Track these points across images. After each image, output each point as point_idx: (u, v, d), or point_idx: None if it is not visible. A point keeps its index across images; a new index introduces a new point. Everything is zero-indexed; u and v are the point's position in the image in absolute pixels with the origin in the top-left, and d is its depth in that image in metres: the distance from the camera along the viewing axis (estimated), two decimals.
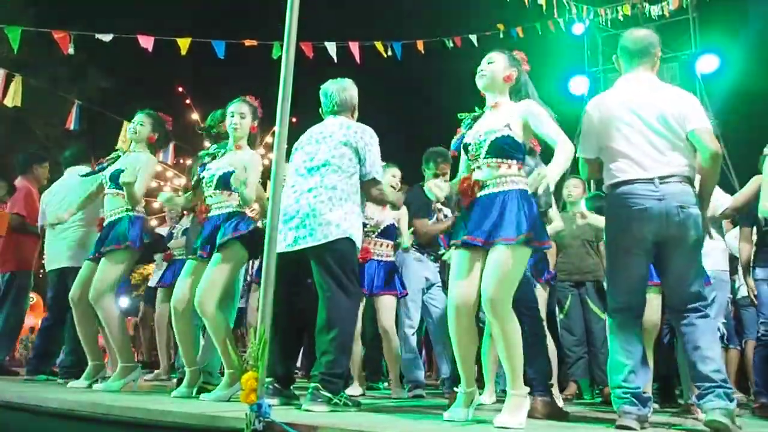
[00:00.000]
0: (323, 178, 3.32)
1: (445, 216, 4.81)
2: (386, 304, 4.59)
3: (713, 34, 8.85)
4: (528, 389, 2.78)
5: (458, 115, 3.25)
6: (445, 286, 4.69)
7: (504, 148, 2.88)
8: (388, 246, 4.73)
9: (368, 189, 3.46)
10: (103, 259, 4.01)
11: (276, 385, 3.24)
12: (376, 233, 4.69)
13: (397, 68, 8.48)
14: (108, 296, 3.98)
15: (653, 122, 2.89)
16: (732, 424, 2.61)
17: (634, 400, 2.83)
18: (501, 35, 8.88)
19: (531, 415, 3.04)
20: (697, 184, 2.95)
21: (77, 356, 4.57)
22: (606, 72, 10.49)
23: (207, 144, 3.97)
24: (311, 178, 3.34)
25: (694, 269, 2.85)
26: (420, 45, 8.41)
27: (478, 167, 2.94)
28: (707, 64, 8.68)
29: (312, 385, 3.10)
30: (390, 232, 4.73)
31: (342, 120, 3.49)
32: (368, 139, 3.43)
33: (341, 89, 3.57)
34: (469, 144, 3.01)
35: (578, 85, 10.35)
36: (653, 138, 2.88)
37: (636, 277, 2.93)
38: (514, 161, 2.89)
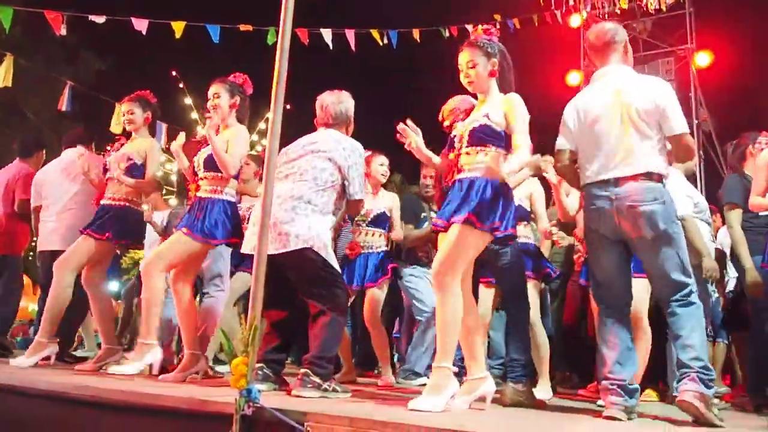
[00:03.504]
0: (292, 188, 3.30)
1: None
2: (374, 296, 4.60)
3: (709, 29, 8.86)
4: (452, 369, 2.82)
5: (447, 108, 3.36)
6: None
7: (481, 137, 2.96)
8: (380, 236, 4.71)
9: (354, 207, 3.56)
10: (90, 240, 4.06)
11: (266, 370, 3.26)
12: (367, 222, 4.67)
13: (392, 56, 8.44)
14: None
15: (617, 119, 2.91)
16: (705, 410, 2.64)
17: (620, 391, 2.87)
18: (497, 26, 8.81)
19: (497, 401, 3.11)
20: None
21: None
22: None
23: (199, 129, 3.95)
24: (285, 185, 3.31)
25: (668, 262, 2.85)
26: (416, 33, 8.39)
27: (462, 155, 3.02)
28: (702, 58, 8.69)
29: (302, 370, 3.12)
30: (382, 221, 4.72)
31: (334, 134, 3.49)
32: (357, 158, 3.45)
33: (337, 102, 3.55)
34: (456, 136, 3.10)
35: (575, 78, 10.35)
36: (616, 135, 2.91)
37: (611, 272, 2.99)
38: (493, 148, 2.95)
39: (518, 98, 3.01)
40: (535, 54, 9.92)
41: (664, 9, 8.65)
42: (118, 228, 4.10)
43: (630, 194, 2.84)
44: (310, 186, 3.32)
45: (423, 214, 5.00)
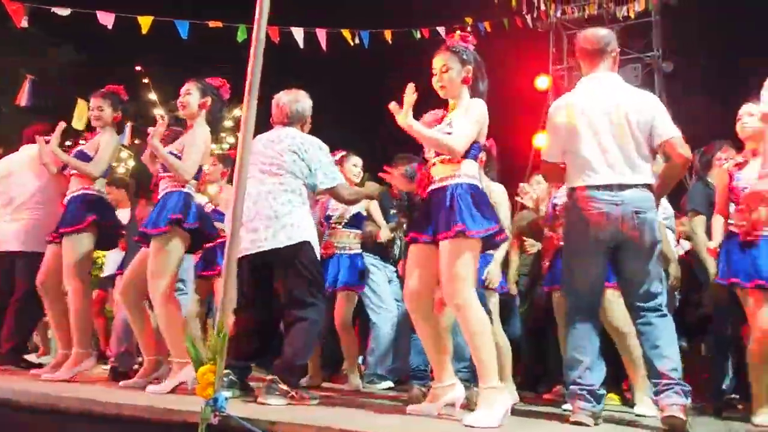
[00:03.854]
0: (281, 182, 3.31)
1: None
2: (347, 299, 4.56)
3: (675, 37, 9.04)
4: (501, 384, 2.77)
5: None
6: None
7: None
8: (354, 236, 4.66)
9: (337, 195, 3.51)
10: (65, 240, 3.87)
11: (232, 376, 3.20)
12: (343, 224, 4.62)
13: (363, 57, 8.40)
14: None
15: (617, 126, 2.94)
16: (689, 425, 2.73)
17: (588, 396, 2.90)
18: (468, 29, 8.87)
19: (466, 405, 3.06)
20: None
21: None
22: (570, 70, 10.64)
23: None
24: (268, 180, 3.30)
25: (649, 271, 2.92)
26: (388, 35, 8.36)
27: (433, 164, 2.99)
28: (668, 66, 8.88)
29: (270, 377, 3.08)
30: (358, 221, 4.67)
31: (290, 131, 3.47)
32: (316, 150, 3.43)
33: (294, 101, 3.53)
34: (427, 148, 3.06)
35: (543, 82, 10.47)
36: (617, 142, 2.93)
37: (594, 278, 3.00)
38: (459, 157, 2.88)
39: (481, 102, 2.98)
40: (505, 58, 9.98)
41: (632, 16, 8.79)
42: (97, 212, 3.91)
43: (635, 201, 2.87)
44: (295, 179, 3.34)
45: (392, 212, 4.97)
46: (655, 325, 2.88)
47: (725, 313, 3.89)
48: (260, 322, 3.41)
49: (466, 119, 2.89)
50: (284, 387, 3.03)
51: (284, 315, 3.31)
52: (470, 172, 2.92)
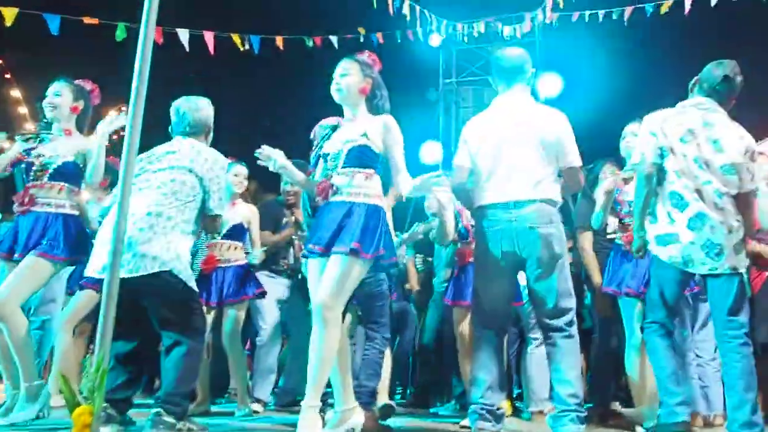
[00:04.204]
0: (149, 203, 2.98)
1: (302, 231, 4.65)
2: (233, 315, 4.31)
3: (558, 58, 9.48)
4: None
5: (320, 125, 3.19)
6: None
7: (361, 158, 2.89)
8: (236, 249, 4.41)
9: (209, 223, 3.23)
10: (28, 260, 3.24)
11: (110, 411, 2.89)
12: (222, 235, 4.35)
13: (253, 62, 8.14)
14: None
15: (526, 144, 2.99)
16: None
17: (488, 416, 2.90)
18: (362, 39, 8.85)
19: None
20: None
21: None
22: (459, 84, 10.89)
23: (29, 126, 3.49)
24: (139, 200, 2.98)
25: (554, 286, 2.95)
26: (279, 41, 8.15)
27: (336, 175, 2.91)
28: (551, 86, 9.27)
29: (154, 409, 2.81)
30: (238, 233, 4.43)
31: (193, 143, 3.20)
32: (218, 170, 3.18)
33: (195, 109, 3.29)
34: (328, 154, 2.97)
35: (432, 95, 10.66)
36: (520, 160, 2.98)
37: (498, 296, 3.02)
38: (370, 170, 2.90)
39: (395, 121, 2.99)
40: (396, 69, 10.05)
41: (519, 36, 9.13)
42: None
43: (531, 217, 2.91)
44: (170, 201, 3.01)
45: (285, 220, 4.81)
46: (559, 347, 2.92)
47: (610, 324, 4.04)
48: (134, 347, 3.09)
49: (400, 148, 2.97)
50: (170, 419, 2.79)
51: (162, 340, 3.04)
52: (378, 189, 2.92)
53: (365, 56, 3.09)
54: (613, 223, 3.84)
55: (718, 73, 3.15)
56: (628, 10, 7.60)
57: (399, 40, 9.31)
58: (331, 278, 2.76)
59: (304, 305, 4.75)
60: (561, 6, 7.40)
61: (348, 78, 2.98)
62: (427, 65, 10.38)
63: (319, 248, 2.83)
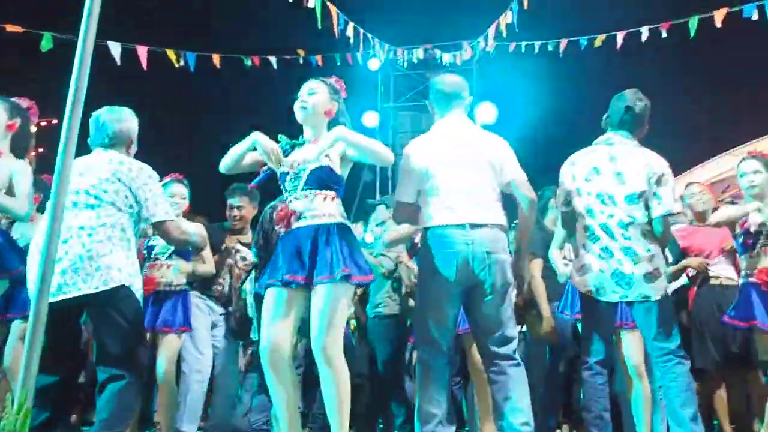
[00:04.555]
0: (98, 215, 2.79)
1: (243, 258, 4.43)
2: (170, 344, 4.02)
3: (494, 87, 9.68)
4: None
5: (278, 136, 3.03)
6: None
7: (322, 179, 2.79)
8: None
9: (166, 232, 3.01)
10: None
11: None
12: (166, 255, 4.10)
13: (188, 80, 7.88)
14: None
15: (472, 167, 2.94)
16: None
17: None
18: (301, 61, 8.75)
19: None
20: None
21: None
22: (396, 110, 10.93)
23: None
24: (82, 214, 2.78)
25: (503, 314, 2.88)
26: (216, 59, 7.94)
27: (296, 198, 2.79)
28: (486, 113, 9.42)
29: None
30: (183, 254, 4.13)
31: (113, 155, 2.99)
32: (146, 179, 2.97)
33: (117, 120, 3.06)
34: (286, 174, 2.84)
35: (370, 118, 10.62)
36: (471, 183, 2.92)
37: (445, 323, 2.91)
38: (332, 193, 2.80)
39: (342, 127, 2.89)
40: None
41: (458, 63, 9.27)
42: None
43: (486, 241, 2.83)
44: (114, 211, 2.83)
45: (224, 246, 4.55)
46: (509, 376, 2.84)
47: (561, 350, 4.08)
48: (57, 381, 2.82)
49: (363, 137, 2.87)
50: None
51: (98, 372, 2.79)
52: (341, 210, 2.82)
53: (333, 80, 3.02)
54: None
55: (620, 104, 3.27)
56: (563, 43, 7.82)
57: (338, 63, 9.29)
58: (322, 312, 2.64)
59: (233, 338, 4.58)
60: (504, 35, 7.49)
61: (316, 97, 2.89)
62: (365, 89, 10.41)
63: (300, 278, 2.68)
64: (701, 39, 5.92)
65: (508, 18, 7.15)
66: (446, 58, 9.33)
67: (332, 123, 2.95)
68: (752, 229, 3.60)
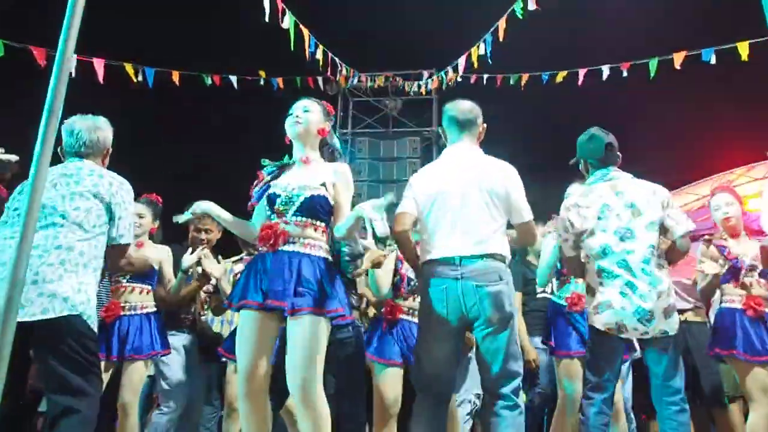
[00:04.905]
0: (57, 236, 2.56)
1: (209, 281, 4.22)
2: (135, 371, 3.72)
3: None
4: None
5: (262, 160, 2.94)
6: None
7: (316, 208, 2.68)
8: (146, 292, 3.86)
9: (115, 256, 2.79)
10: None
11: None
12: (128, 278, 3.81)
13: (148, 96, 7.63)
14: None
15: (473, 197, 2.86)
16: None
17: None
18: (261, 82, 8.62)
19: None
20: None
21: None
22: (355, 135, 10.90)
23: None
24: (40, 232, 2.54)
25: (504, 348, 2.76)
26: (176, 76, 7.72)
27: (285, 223, 2.66)
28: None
29: None
30: (149, 276, 3.88)
31: (91, 166, 2.81)
32: (125, 195, 2.80)
33: (92, 128, 2.89)
34: (278, 196, 2.71)
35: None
36: (468, 214, 2.84)
37: (441, 360, 2.81)
38: (322, 224, 2.70)
39: (349, 170, 2.85)
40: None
41: (424, 92, 9.32)
42: None
43: (477, 273, 2.73)
44: (77, 233, 2.60)
45: (190, 271, 4.33)
46: (503, 418, 2.70)
47: (532, 382, 4.08)
48: (6, 413, 2.57)
49: (349, 196, 2.81)
50: None
51: (48, 405, 2.55)
52: (328, 245, 2.73)
53: (326, 106, 2.97)
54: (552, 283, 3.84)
55: (598, 143, 3.23)
56: (524, 77, 7.95)
57: (298, 86, 9.20)
58: (304, 345, 2.50)
59: (199, 368, 4.34)
60: (475, 66, 7.57)
61: (311, 115, 2.82)
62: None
63: (285, 304, 2.53)
64: (661, 79, 6.12)
65: (480, 49, 7.21)
66: (407, 86, 9.35)
67: (323, 143, 2.91)
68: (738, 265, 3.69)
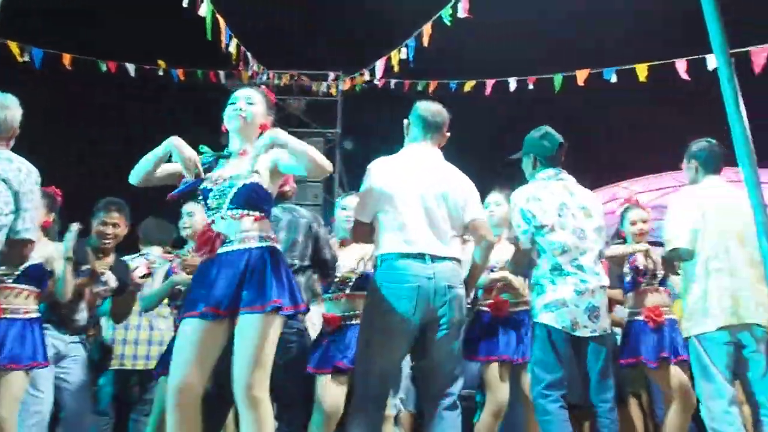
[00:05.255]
0: None
1: (105, 283, 3.90)
2: (14, 383, 3.35)
3: (355, 117, 9.75)
4: None
5: (199, 147, 2.75)
6: None
7: (252, 198, 2.55)
8: (30, 297, 3.48)
9: (15, 251, 2.58)
10: None
11: None
12: (13, 278, 3.43)
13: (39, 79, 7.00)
14: None
15: (436, 200, 2.85)
16: None
17: None
18: (161, 72, 8.15)
19: None
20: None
21: None
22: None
23: None
24: None
25: (456, 350, 2.79)
26: (67, 59, 7.11)
27: (221, 218, 2.53)
28: (348, 144, 9.49)
29: None
30: (34, 276, 3.51)
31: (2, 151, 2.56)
32: (32, 184, 2.57)
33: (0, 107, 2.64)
34: (210, 191, 2.58)
35: (225, 139, 10.19)
36: (433, 216, 2.83)
37: (393, 363, 2.77)
38: (260, 214, 2.57)
39: (274, 129, 2.67)
40: (191, 111, 9.51)
41: (334, 93, 9.22)
42: None
43: (447, 274, 2.71)
44: None
45: (84, 267, 3.96)
46: (444, 419, 2.71)
47: None
48: None
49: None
50: None
51: None
52: (270, 232, 2.57)
53: (268, 95, 2.85)
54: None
55: (551, 143, 3.32)
56: (432, 84, 8.09)
57: (201, 79, 8.81)
58: (248, 347, 2.36)
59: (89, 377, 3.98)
60: (395, 70, 7.58)
61: (255, 107, 2.70)
62: (221, 108, 9.95)
63: (223, 312, 2.40)
64: (565, 94, 6.46)
65: (402, 53, 7.24)
66: (318, 85, 9.23)
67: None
68: (640, 267, 3.91)
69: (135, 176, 2.67)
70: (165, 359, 3.37)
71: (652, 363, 3.84)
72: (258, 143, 2.54)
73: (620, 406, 4.48)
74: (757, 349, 3.14)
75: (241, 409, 2.37)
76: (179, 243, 4.59)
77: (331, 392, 3.33)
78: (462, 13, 5.79)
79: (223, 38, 7.04)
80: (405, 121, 3.11)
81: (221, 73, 9.11)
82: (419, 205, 2.83)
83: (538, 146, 3.34)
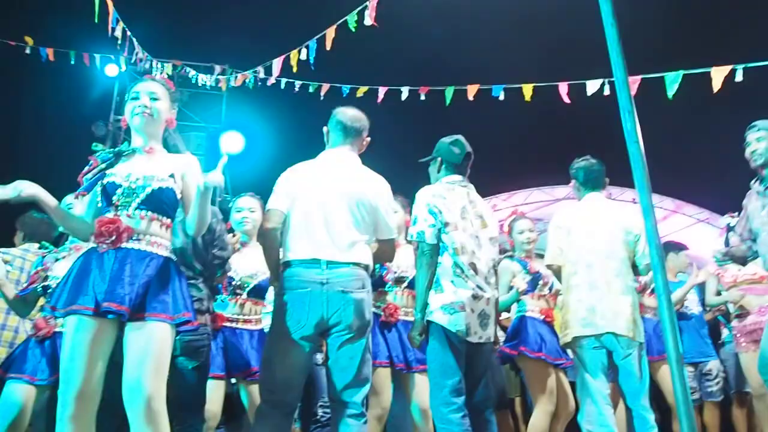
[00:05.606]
0: None
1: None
2: None
3: (241, 113, 9.48)
4: None
5: (93, 145, 2.74)
6: None
7: (164, 202, 2.47)
8: None
9: None
10: None
11: None
12: None
13: None
14: None
15: (345, 206, 2.86)
16: None
17: None
18: (27, 50, 7.47)
19: None
20: None
21: None
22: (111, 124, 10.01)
23: None
24: None
25: (360, 356, 2.75)
26: None
27: (127, 216, 2.40)
28: (233, 142, 9.18)
29: None
30: None
31: None
32: None
33: None
34: (118, 187, 2.43)
35: (100, 130, 9.54)
36: (337, 219, 2.81)
37: (296, 368, 2.71)
38: (168, 220, 2.49)
39: (197, 160, 2.65)
40: (62, 94, 8.83)
41: (224, 87, 8.88)
42: None
43: (342, 280, 2.68)
44: None
45: None
46: (350, 427, 2.70)
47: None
48: None
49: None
50: None
51: None
52: (168, 239, 2.51)
53: (168, 83, 2.71)
54: None
55: (460, 150, 3.39)
56: (325, 87, 8.02)
57: (73, 62, 8.18)
58: (150, 354, 2.24)
59: None
60: (294, 70, 7.40)
61: (160, 103, 2.58)
62: (99, 97, 9.30)
63: (125, 309, 2.24)
64: (455, 107, 6.64)
65: (302, 54, 7.07)
66: (202, 79, 8.86)
67: (165, 133, 2.70)
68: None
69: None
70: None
71: (534, 354, 4.06)
72: (177, 162, 2.57)
73: (501, 411, 4.74)
74: (625, 355, 3.41)
75: (137, 422, 2.21)
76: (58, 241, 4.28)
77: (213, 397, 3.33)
78: (368, 21, 5.79)
79: (110, 22, 6.57)
80: (324, 129, 3.10)
81: (97, 57, 8.54)
82: (320, 210, 2.81)
83: (448, 152, 3.41)
